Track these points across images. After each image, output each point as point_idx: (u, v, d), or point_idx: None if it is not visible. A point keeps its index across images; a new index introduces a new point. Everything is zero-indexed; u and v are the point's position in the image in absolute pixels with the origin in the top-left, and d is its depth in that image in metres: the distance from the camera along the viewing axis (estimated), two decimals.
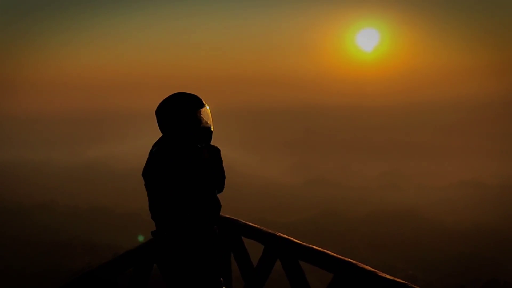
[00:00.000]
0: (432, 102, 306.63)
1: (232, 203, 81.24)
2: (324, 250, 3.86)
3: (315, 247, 3.93)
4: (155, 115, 3.26)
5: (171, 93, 3.32)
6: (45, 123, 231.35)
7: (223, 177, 3.57)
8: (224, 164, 3.61)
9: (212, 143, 3.46)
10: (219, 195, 3.54)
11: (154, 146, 3.30)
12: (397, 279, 3.50)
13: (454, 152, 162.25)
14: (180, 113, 3.20)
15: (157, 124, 3.28)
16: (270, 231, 4.32)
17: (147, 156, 3.25)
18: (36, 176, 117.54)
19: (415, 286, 3.36)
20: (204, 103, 3.29)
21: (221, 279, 3.56)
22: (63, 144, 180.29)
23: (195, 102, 3.24)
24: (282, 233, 4.30)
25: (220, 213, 3.64)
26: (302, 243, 4.01)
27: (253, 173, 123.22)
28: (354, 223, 77.02)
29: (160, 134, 3.31)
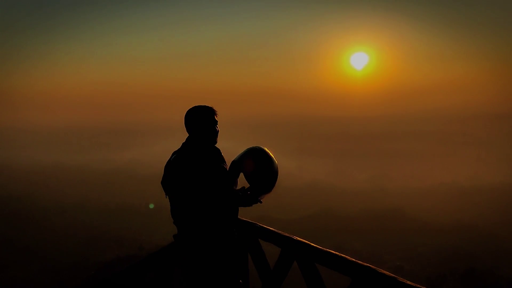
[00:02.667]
0: (414, 113, 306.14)
1: None
2: (342, 255, 3.52)
3: (332, 251, 3.60)
4: (184, 120, 3.43)
5: (185, 106, 3.50)
6: (81, 133, 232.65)
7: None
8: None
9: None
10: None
11: (173, 154, 3.36)
12: (417, 285, 2.95)
13: (434, 157, 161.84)
14: (205, 115, 3.37)
15: (185, 128, 3.43)
16: (286, 234, 4.00)
17: (162, 162, 3.27)
18: (73, 179, 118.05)
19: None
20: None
21: (240, 280, 3.41)
22: (96, 152, 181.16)
23: (212, 109, 3.43)
24: (285, 229, 4.14)
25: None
26: (319, 247, 3.70)
27: None
28: (347, 220, 76.93)
29: (179, 140, 3.41)
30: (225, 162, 3.48)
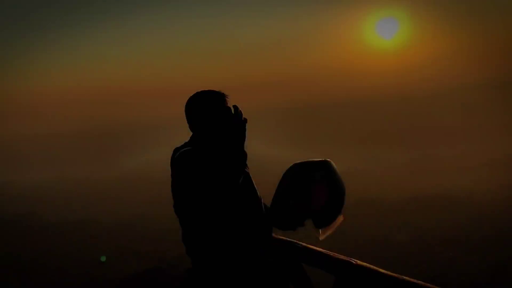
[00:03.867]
0: (454, 87, 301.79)
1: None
2: (420, 282, 2.65)
3: (406, 277, 2.72)
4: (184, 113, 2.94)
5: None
6: (84, 139, 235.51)
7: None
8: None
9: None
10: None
11: (175, 151, 2.89)
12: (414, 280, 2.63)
13: (481, 132, 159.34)
14: (211, 102, 2.82)
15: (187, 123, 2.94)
16: (342, 257, 3.07)
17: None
18: (78, 192, 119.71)
19: (413, 280, 2.65)
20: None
21: None
22: (102, 158, 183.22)
23: (220, 95, 2.88)
24: None
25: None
26: (390, 273, 2.90)
27: (284, 168, 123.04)
28: (388, 209, 76.45)
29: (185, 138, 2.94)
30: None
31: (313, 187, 2.72)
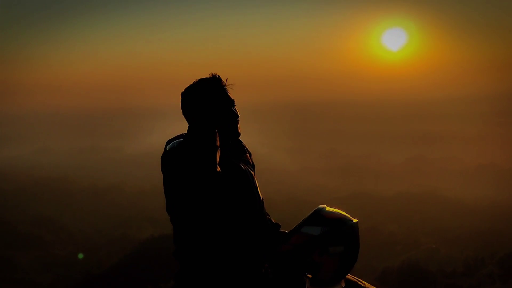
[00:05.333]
0: (452, 95, 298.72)
1: (275, 185, 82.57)
2: None
3: None
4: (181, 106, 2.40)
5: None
6: (114, 117, 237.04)
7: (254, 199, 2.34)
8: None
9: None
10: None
11: (167, 143, 2.34)
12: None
13: (472, 139, 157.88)
14: (209, 92, 2.26)
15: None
16: (350, 277, 2.48)
17: None
18: (109, 161, 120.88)
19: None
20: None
21: None
22: (130, 135, 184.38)
23: (218, 81, 2.31)
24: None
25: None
26: None
27: (290, 160, 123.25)
28: (382, 202, 76.29)
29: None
30: (247, 163, 2.41)
31: (326, 258, 2.29)
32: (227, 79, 2.32)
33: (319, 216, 2.44)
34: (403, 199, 76.90)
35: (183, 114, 2.33)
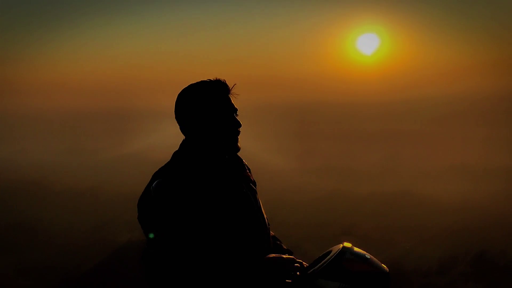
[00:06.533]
0: (425, 96, 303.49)
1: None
2: None
3: None
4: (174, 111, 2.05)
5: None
6: (92, 118, 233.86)
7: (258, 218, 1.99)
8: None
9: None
10: None
11: (156, 175, 1.92)
12: None
13: (444, 139, 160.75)
14: (209, 98, 1.92)
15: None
16: None
17: (177, 146, 2.00)
18: (86, 164, 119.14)
19: None
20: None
21: None
22: (108, 137, 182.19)
23: (223, 85, 1.97)
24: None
25: None
26: None
27: (268, 161, 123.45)
28: (357, 202, 76.95)
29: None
30: (250, 189, 2.03)
31: None
32: (234, 85, 1.99)
33: (340, 266, 1.89)
34: (378, 199, 77.79)
35: (176, 118, 1.98)
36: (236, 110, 1.95)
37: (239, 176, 2.01)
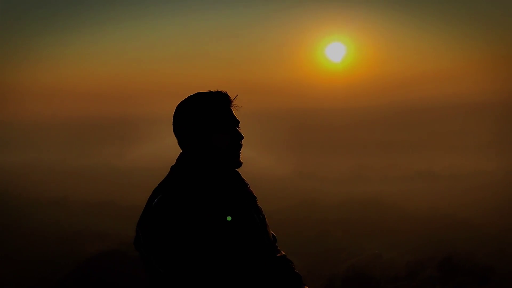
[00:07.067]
0: (393, 104, 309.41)
1: None
2: None
3: None
4: (172, 124, 1.93)
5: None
6: (59, 128, 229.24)
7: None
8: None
9: None
10: None
11: (156, 191, 1.82)
12: None
13: (412, 147, 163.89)
14: (211, 110, 1.85)
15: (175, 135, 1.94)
16: None
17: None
18: (52, 175, 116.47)
19: None
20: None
21: None
22: (74, 147, 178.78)
23: (224, 97, 1.90)
24: (267, 220, 2.95)
25: None
26: None
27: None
28: (328, 210, 77.54)
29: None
30: (253, 206, 1.98)
31: None
32: (236, 96, 1.92)
33: None
34: (348, 206, 78.62)
35: (174, 131, 1.90)
36: (238, 122, 1.90)
37: (241, 193, 1.95)
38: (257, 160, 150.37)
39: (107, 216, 75.78)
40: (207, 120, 1.83)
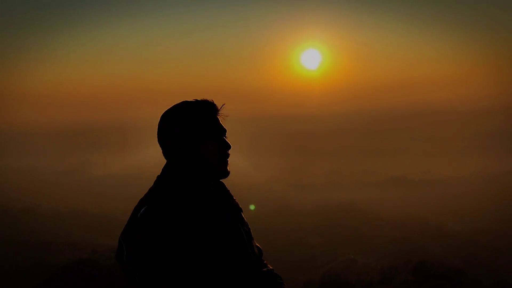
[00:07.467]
0: (368, 111, 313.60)
1: None
2: None
3: None
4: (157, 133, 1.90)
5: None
6: (30, 135, 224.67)
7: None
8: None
9: None
10: None
11: (142, 202, 1.77)
12: None
13: (386, 153, 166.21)
14: (197, 119, 1.83)
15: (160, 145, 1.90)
16: None
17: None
18: (21, 183, 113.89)
19: None
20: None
21: None
22: (46, 154, 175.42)
23: (211, 106, 1.90)
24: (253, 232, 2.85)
25: None
26: None
27: None
28: (303, 216, 77.85)
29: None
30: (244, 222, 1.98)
31: None
32: (222, 105, 1.92)
33: None
34: (323, 212, 79.07)
35: (159, 141, 1.85)
36: (225, 131, 1.90)
37: (227, 205, 1.92)
38: (232, 167, 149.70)
39: (79, 225, 74.52)
40: (194, 129, 1.81)
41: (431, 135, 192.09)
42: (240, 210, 2.02)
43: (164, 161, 1.90)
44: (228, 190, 2.01)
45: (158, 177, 1.85)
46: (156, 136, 1.86)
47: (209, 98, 1.89)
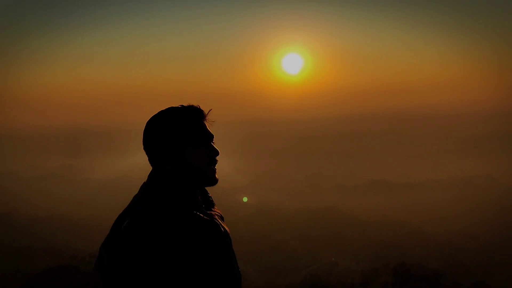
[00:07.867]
0: (349, 115, 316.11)
1: None
2: None
3: None
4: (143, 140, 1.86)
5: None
6: (7, 138, 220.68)
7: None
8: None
9: None
10: None
11: (126, 212, 1.74)
12: None
13: (366, 156, 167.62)
14: (184, 124, 1.80)
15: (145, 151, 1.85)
16: None
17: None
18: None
19: None
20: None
21: None
22: (24, 158, 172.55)
23: (198, 111, 1.86)
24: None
25: None
26: None
27: None
28: (284, 219, 77.97)
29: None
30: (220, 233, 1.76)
31: None
32: (209, 111, 1.88)
33: None
34: (304, 215, 79.34)
35: (145, 148, 1.81)
36: (212, 137, 1.85)
37: (213, 214, 1.85)
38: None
39: (58, 230, 73.42)
40: (182, 136, 1.77)
41: (411, 139, 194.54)
42: (222, 218, 1.94)
43: (147, 168, 1.85)
44: (211, 198, 1.97)
45: (144, 184, 1.80)
46: (142, 142, 1.83)
47: (194, 103, 1.87)
